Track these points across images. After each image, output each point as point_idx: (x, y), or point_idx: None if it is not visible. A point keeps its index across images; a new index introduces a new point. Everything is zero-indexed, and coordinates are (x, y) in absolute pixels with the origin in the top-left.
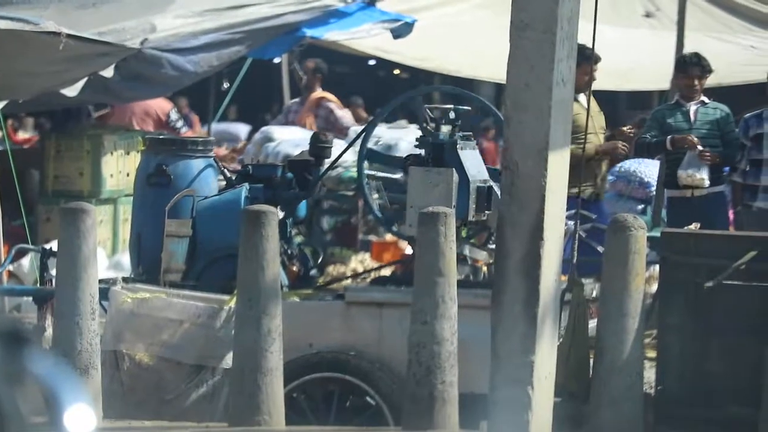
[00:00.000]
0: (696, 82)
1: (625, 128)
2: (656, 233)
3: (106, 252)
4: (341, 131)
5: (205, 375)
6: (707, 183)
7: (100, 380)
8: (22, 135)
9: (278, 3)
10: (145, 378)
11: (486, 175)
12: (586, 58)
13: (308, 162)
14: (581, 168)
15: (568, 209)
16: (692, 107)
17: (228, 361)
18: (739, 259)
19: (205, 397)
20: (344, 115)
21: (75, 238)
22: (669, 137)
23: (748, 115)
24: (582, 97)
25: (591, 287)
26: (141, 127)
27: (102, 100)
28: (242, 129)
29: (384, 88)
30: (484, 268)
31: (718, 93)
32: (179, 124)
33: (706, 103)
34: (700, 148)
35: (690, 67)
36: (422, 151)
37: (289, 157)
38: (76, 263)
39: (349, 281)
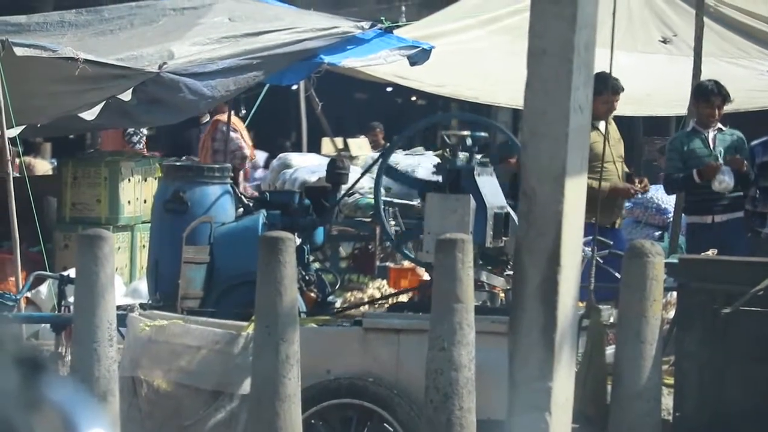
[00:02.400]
0: (717, 111)
1: (636, 183)
2: (674, 259)
3: (123, 279)
4: (234, 154)
5: (223, 401)
6: (732, 184)
7: (118, 407)
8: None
9: (296, 30)
10: (163, 404)
11: (503, 202)
12: (606, 87)
13: (325, 188)
14: (598, 195)
15: (585, 236)
16: (710, 134)
17: (246, 387)
18: (757, 285)
19: (223, 423)
20: (236, 137)
21: (93, 265)
22: (695, 170)
23: (754, 143)
24: (602, 125)
25: (608, 313)
26: (111, 138)
27: (119, 124)
28: (259, 155)
29: (401, 114)
30: (502, 295)
31: (734, 119)
32: (135, 138)
33: (723, 130)
34: (725, 167)
35: (713, 96)
36: (439, 178)
37: (306, 184)
38: (93, 290)
39: (366, 307)
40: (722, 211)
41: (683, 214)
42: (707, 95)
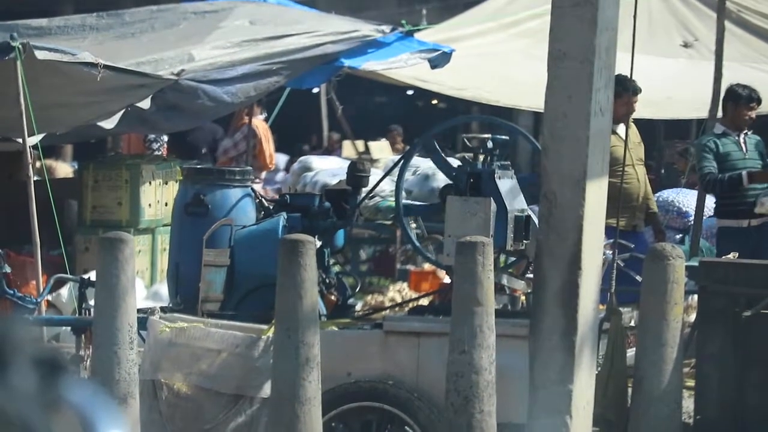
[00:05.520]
0: (752, 114)
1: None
2: (694, 262)
3: (144, 282)
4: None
5: (243, 404)
6: None
7: (139, 410)
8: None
9: (316, 33)
10: (184, 407)
11: (524, 205)
12: (626, 89)
13: (346, 191)
14: (619, 198)
15: (606, 239)
16: (741, 137)
17: (266, 390)
18: None
19: (244, 426)
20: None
21: (113, 268)
22: (745, 172)
23: None
24: (621, 129)
25: (629, 316)
26: (133, 142)
27: (139, 131)
28: (280, 159)
29: (422, 118)
30: (522, 298)
31: (755, 123)
32: (155, 145)
33: (747, 133)
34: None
35: (753, 100)
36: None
37: (326, 187)
38: (114, 293)
39: (387, 311)
40: (758, 214)
41: (715, 218)
42: (749, 99)
